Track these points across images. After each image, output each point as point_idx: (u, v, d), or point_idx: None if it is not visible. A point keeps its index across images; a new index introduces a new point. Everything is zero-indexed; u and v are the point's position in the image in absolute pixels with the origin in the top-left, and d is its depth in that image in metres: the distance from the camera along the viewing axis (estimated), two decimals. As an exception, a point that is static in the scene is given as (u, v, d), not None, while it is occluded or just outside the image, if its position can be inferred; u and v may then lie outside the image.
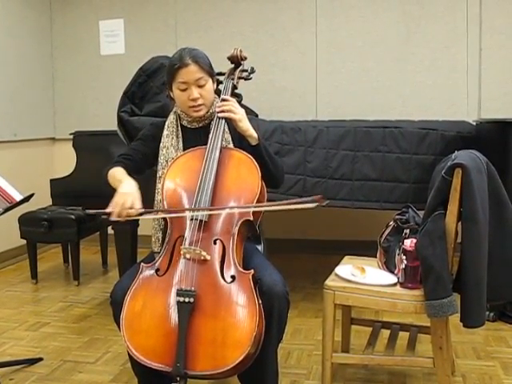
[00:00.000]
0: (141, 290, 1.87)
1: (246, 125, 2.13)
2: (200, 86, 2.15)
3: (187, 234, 1.93)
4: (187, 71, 2.12)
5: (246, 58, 2.39)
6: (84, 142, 3.61)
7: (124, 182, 2.01)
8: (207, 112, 2.22)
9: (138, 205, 1.92)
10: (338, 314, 2.38)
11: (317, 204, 1.80)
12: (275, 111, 4.53)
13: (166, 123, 2.27)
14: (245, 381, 2.08)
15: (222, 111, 2.14)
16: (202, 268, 1.86)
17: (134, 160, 2.22)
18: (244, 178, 2.05)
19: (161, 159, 2.22)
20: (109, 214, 1.90)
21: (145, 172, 2.28)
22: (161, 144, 2.24)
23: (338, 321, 2.46)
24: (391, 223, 2.44)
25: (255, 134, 2.13)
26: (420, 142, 3.19)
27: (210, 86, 2.19)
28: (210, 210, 1.96)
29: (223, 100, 2.19)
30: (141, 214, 1.95)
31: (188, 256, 1.87)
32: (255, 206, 1.97)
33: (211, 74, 2.19)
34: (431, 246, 2.10)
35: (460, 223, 2.14)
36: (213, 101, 2.23)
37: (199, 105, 2.16)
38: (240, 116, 2.12)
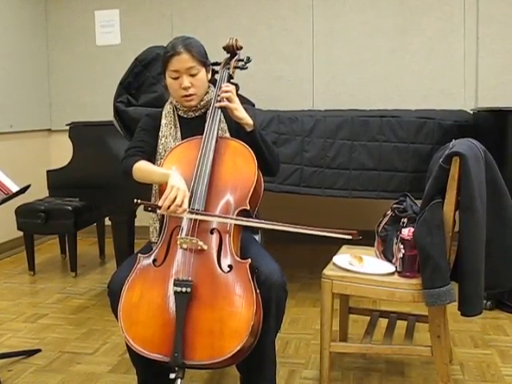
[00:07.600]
0: (138, 280, 1.87)
1: (241, 113, 2.11)
2: (192, 75, 2.13)
3: (184, 223, 1.92)
4: (179, 59, 2.10)
5: (241, 48, 2.37)
6: (80, 132, 3.58)
7: (173, 175, 1.96)
8: (200, 102, 2.20)
9: (186, 204, 1.90)
10: (336, 304, 2.38)
11: (351, 237, 1.88)
12: (272, 101, 4.50)
13: (163, 113, 2.25)
14: (243, 370, 2.09)
15: (221, 99, 2.12)
16: (199, 258, 1.85)
17: (146, 152, 2.19)
18: (240, 167, 2.04)
19: (159, 149, 2.20)
20: (157, 207, 1.90)
21: None
22: (160, 133, 2.22)
23: (336, 310, 2.46)
24: (389, 212, 2.44)
25: (251, 121, 2.12)
26: (417, 131, 3.19)
27: (203, 75, 2.17)
28: (237, 219, 1.95)
29: (222, 88, 2.16)
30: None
31: (185, 246, 1.87)
32: (287, 226, 1.92)
33: (204, 63, 2.17)
34: (429, 234, 2.10)
35: (458, 212, 2.14)
36: (206, 90, 2.22)
37: (190, 94, 2.14)
38: (236, 105, 2.11)
